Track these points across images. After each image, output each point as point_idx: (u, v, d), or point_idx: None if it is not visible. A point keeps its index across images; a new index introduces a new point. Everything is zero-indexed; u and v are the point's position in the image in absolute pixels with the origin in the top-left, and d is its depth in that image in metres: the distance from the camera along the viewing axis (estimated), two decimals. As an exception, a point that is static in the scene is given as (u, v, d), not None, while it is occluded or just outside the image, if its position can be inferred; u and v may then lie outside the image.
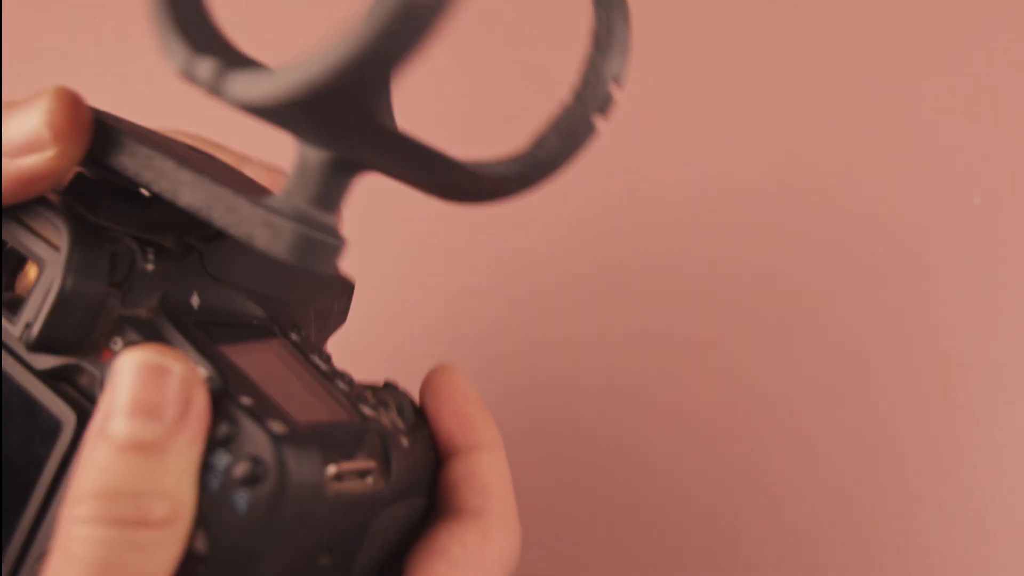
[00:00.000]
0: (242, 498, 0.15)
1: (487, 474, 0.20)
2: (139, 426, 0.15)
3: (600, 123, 0.18)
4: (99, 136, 0.18)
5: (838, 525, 0.36)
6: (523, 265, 0.41)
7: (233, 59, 0.15)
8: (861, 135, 0.39)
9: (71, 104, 0.18)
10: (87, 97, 0.18)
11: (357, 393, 0.20)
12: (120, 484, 0.15)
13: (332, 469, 0.16)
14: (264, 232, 0.15)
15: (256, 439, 0.15)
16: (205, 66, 0.14)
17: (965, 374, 0.36)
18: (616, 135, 0.41)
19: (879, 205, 0.38)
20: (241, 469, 0.15)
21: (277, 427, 0.16)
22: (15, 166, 0.17)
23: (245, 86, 0.14)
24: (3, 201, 0.17)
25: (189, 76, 0.15)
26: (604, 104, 0.18)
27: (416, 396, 0.22)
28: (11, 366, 0.17)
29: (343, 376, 0.21)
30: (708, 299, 0.39)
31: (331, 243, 0.16)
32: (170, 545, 0.15)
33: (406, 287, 0.42)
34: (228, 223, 0.16)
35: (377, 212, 0.43)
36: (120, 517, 0.15)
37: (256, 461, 0.15)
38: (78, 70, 0.49)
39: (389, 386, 0.22)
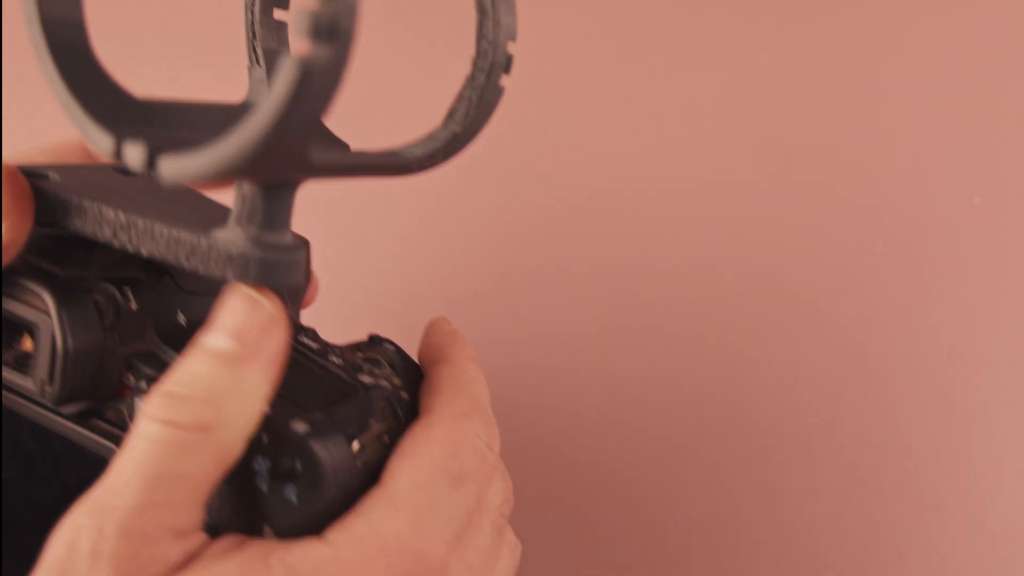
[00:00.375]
0: (291, 491, 0.18)
1: (440, 379, 0.22)
2: (222, 340, 0.17)
3: (505, 81, 0.19)
4: (43, 202, 0.19)
5: (838, 525, 0.36)
6: (523, 265, 0.41)
7: (155, 140, 0.16)
8: (861, 136, 0.39)
9: (8, 177, 0.18)
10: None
11: (352, 363, 0.21)
12: (187, 383, 0.17)
13: (356, 445, 0.19)
14: (232, 268, 0.17)
15: (287, 441, 0.18)
16: (133, 154, 0.16)
17: (965, 374, 0.36)
18: (617, 136, 0.41)
19: (879, 205, 0.38)
20: (282, 469, 0.18)
21: (300, 426, 0.18)
22: None
23: (176, 168, 0.15)
24: None
25: (120, 159, 0.16)
26: (505, 64, 0.19)
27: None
28: (43, 417, 0.20)
29: (334, 349, 0.22)
30: (709, 299, 0.39)
31: (293, 259, 0.17)
32: (202, 453, 0.17)
33: (400, 285, 0.42)
34: (195, 265, 0.17)
35: (377, 214, 0.43)
36: (171, 417, 0.16)
37: (292, 458, 0.18)
38: None
39: (375, 340, 0.23)
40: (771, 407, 0.37)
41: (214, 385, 0.17)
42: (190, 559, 0.17)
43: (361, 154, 0.18)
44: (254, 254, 0.17)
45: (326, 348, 0.22)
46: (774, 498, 0.36)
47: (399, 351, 0.23)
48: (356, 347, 0.23)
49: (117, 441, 0.19)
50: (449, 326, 0.24)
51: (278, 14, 0.23)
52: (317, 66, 0.13)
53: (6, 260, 0.19)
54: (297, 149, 0.15)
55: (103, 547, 0.16)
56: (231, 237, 0.17)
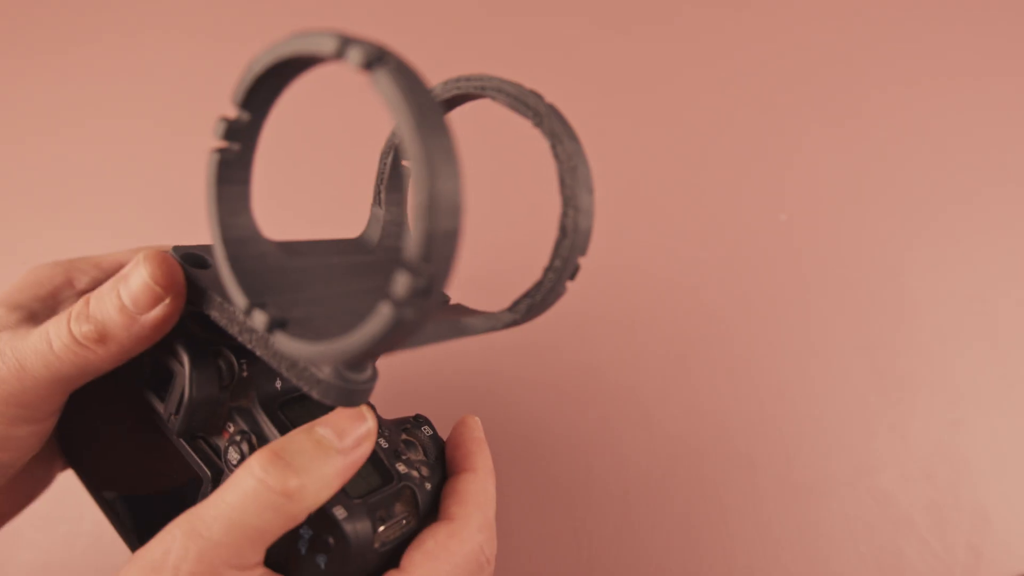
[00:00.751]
0: (321, 559, 0.21)
1: (466, 490, 0.25)
2: (329, 433, 0.22)
3: (568, 286, 0.22)
4: (193, 288, 0.23)
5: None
6: (515, 267, 0.43)
7: (277, 317, 0.19)
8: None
9: (163, 261, 0.22)
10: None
11: (393, 447, 0.25)
12: (290, 452, 0.21)
13: (380, 528, 0.22)
14: (318, 390, 0.20)
15: (325, 519, 0.22)
16: (258, 319, 0.19)
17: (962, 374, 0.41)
18: (618, 143, 0.46)
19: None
20: (319, 541, 0.22)
21: (340, 512, 0.22)
22: (147, 319, 0.22)
23: (288, 345, 0.18)
24: (140, 346, 0.23)
25: (246, 317, 0.19)
26: (572, 273, 0.22)
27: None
28: (166, 429, 0.24)
29: (383, 428, 0.25)
30: (713, 300, 0.43)
31: (364, 389, 0.21)
32: (277, 514, 0.20)
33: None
34: (292, 377, 0.21)
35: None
36: (266, 478, 0.20)
37: (328, 533, 0.22)
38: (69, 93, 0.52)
39: (418, 421, 0.26)
40: (769, 408, 0.41)
41: (308, 462, 0.21)
42: None
43: (434, 326, 0.21)
44: (336, 384, 0.20)
45: (379, 427, 0.25)
46: (781, 498, 0.40)
47: (434, 437, 0.26)
48: (401, 425, 0.26)
49: (208, 463, 0.24)
50: (479, 432, 0.26)
51: (407, 163, 0.26)
52: (409, 318, 0.15)
53: (166, 331, 0.23)
54: (383, 351, 0.17)
55: (183, 565, 0.20)
56: (323, 366, 0.20)
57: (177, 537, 0.20)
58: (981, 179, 0.45)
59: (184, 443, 0.24)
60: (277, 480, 0.20)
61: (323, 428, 0.22)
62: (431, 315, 0.16)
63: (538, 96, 0.21)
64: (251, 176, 0.20)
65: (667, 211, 0.45)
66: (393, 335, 0.16)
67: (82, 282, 0.26)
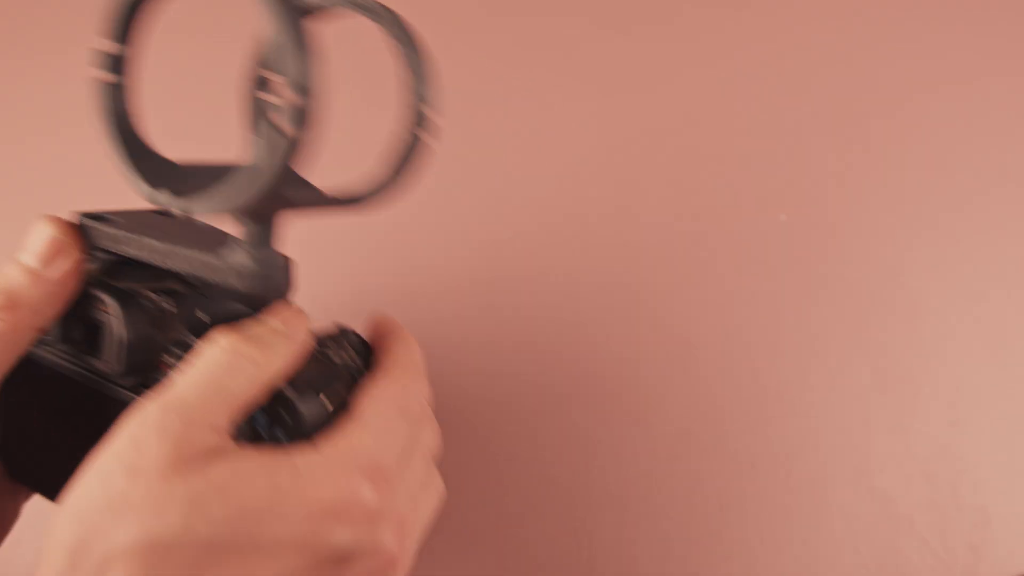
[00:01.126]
0: (280, 433, 0.24)
1: (396, 350, 0.28)
2: (277, 323, 0.25)
3: (426, 138, 0.26)
4: (105, 236, 0.26)
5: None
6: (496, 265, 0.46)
7: (179, 188, 0.22)
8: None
9: (57, 220, 0.25)
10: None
11: (324, 345, 0.27)
12: (248, 330, 0.24)
13: (324, 399, 0.25)
14: (237, 279, 0.23)
15: (279, 401, 0.24)
16: (162, 197, 0.23)
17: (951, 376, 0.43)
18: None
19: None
20: (275, 419, 0.24)
21: (290, 392, 0.24)
22: (52, 274, 0.25)
23: (200, 204, 0.22)
24: (50, 306, 0.25)
25: (152, 200, 0.23)
26: (425, 125, 0.25)
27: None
28: (111, 390, 0.26)
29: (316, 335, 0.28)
30: (713, 300, 0.44)
31: (280, 271, 0.24)
32: (244, 377, 0.23)
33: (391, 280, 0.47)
34: (210, 278, 0.24)
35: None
36: (230, 346, 0.23)
37: (284, 413, 0.24)
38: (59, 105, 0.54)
39: (343, 331, 0.29)
40: (767, 409, 0.44)
41: (266, 338, 0.24)
42: (222, 449, 0.22)
43: (322, 193, 0.25)
44: (258, 269, 0.23)
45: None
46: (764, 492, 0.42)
47: (360, 339, 0.29)
48: (329, 334, 0.29)
49: None
50: (391, 318, 0.30)
51: (261, 94, 0.30)
52: (290, 143, 0.19)
53: (68, 290, 0.25)
54: (276, 192, 0.21)
55: (168, 426, 0.21)
56: (238, 257, 0.24)
57: (151, 411, 0.22)
58: (981, 179, 0.46)
59: (131, 394, 0.26)
60: (244, 348, 0.23)
61: (273, 320, 0.25)
62: (307, 144, 0.20)
63: (378, 3, 0.26)
64: (134, 100, 0.24)
65: (667, 211, 0.46)
66: (282, 155, 0.19)
67: None
